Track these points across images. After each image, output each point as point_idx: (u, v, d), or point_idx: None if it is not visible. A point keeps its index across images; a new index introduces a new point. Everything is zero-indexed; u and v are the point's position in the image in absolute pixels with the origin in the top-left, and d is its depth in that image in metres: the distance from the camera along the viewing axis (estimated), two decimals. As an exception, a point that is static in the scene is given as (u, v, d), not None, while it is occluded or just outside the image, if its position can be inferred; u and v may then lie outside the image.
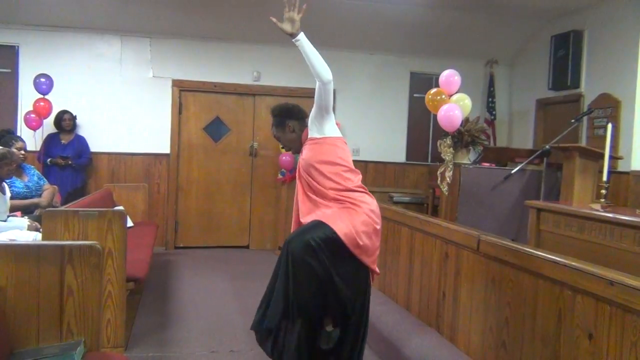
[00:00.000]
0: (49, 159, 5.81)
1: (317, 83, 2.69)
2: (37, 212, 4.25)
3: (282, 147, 3.05)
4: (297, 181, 2.86)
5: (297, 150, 2.95)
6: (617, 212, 3.38)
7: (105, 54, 6.38)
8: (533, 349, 2.46)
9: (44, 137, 5.93)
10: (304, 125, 2.90)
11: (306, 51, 2.64)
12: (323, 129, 2.75)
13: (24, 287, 2.18)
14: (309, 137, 2.81)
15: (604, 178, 3.94)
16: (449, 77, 4.80)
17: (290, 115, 2.90)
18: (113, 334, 3.25)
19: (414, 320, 3.72)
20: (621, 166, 5.10)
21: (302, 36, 2.63)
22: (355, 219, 2.61)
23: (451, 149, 4.94)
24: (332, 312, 2.63)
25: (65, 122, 5.96)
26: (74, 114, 6.06)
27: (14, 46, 6.18)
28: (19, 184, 4.37)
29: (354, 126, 7.00)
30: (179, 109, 6.61)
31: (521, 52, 7.07)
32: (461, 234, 3.19)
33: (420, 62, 7.14)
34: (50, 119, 5.94)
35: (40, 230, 3.51)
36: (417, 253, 3.80)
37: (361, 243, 2.58)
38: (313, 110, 2.77)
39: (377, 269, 2.76)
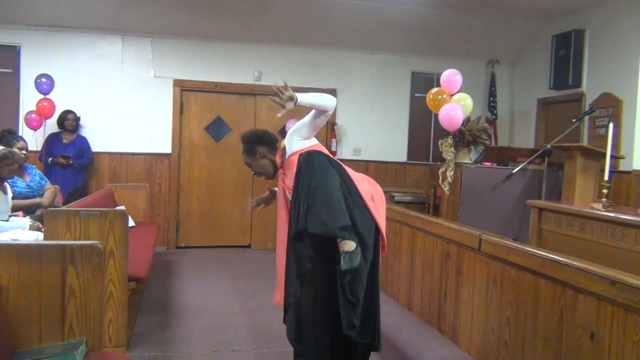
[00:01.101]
0: (50, 159, 5.82)
1: (316, 111, 2.66)
2: (38, 212, 4.25)
3: (254, 174, 3.02)
4: (283, 203, 2.78)
5: (270, 176, 2.93)
6: (619, 212, 3.37)
7: (106, 53, 6.39)
8: (535, 348, 2.46)
9: (46, 136, 5.94)
10: (274, 150, 2.88)
11: (309, 102, 2.62)
12: (307, 143, 2.75)
13: (26, 287, 2.18)
14: (291, 151, 2.75)
15: (606, 177, 3.94)
16: (451, 76, 4.80)
17: (260, 142, 2.89)
18: (115, 334, 3.26)
19: (416, 320, 3.72)
20: (623, 165, 5.10)
21: (299, 96, 2.62)
22: (372, 183, 2.64)
23: (452, 148, 4.94)
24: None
25: (69, 122, 5.97)
26: (78, 115, 6.07)
27: (16, 46, 6.18)
28: (21, 183, 4.38)
29: (355, 126, 7.01)
30: (180, 109, 6.61)
31: (522, 51, 7.06)
32: (462, 234, 3.19)
33: (422, 61, 7.13)
34: (53, 119, 5.95)
35: (42, 230, 3.51)
36: (419, 253, 3.80)
37: (376, 198, 2.56)
38: (303, 129, 2.73)
39: (385, 240, 2.63)
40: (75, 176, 5.96)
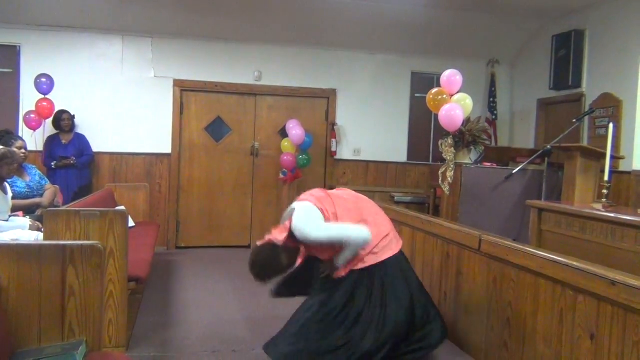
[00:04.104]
0: (53, 163, 5.79)
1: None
2: (38, 212, 4.25)
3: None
4: None
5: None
6: (619, 212, 3.37)
7: (106, 53, 6.38)
8: (534, 349, 2.46)
9: (45, 137, 5.93)
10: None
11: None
12: None
13: (26, 287, 2.18)
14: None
15: (606, 178, 3.94)
16: (451, 76, 4.79)
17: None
18: (115, 334, 3.25)
19: (416, 320, 3.71)
20: (623, 166, 5.09)
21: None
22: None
23: (452, 148, 4.94)
24: None
25: (64, 122, 5.93)
26: (72, 114, 6.06)
27: (16, 46, 6.18)
28: (21, 183, 4.37)
29: (355, 126, 7.01)
30: (180, 109, 6.61)
31: (522, 51, 7.06)
32: (462, 234, 3.19)
33: (422, 62, 7.13)
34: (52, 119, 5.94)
35: (42, 230, 3.51)
36: (419, 253, 3.80)
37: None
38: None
39: None
40: (79, 175, 5.95)
